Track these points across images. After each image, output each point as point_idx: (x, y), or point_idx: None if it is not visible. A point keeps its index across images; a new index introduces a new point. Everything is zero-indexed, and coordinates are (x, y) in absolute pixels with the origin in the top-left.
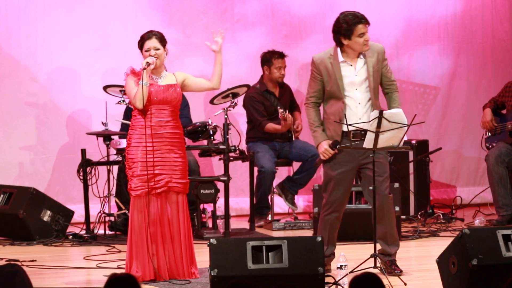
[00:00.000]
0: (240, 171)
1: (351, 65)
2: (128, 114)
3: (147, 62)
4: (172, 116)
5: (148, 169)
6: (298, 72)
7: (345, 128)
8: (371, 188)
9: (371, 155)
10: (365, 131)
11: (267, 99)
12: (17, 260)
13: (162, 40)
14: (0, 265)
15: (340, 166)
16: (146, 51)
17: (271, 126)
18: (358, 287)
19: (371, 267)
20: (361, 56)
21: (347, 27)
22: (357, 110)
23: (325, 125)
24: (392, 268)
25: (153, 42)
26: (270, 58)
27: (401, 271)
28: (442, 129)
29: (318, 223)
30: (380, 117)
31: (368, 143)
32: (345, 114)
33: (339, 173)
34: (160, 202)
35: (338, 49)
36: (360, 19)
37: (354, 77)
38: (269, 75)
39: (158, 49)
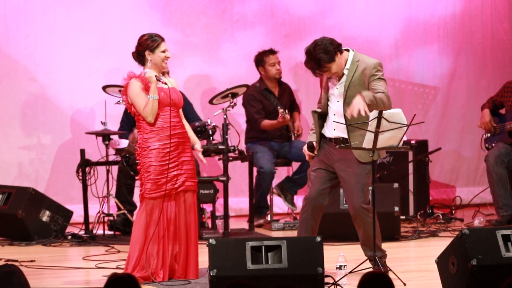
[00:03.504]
0: (239, 171)
1: (336, 78)
2: (128, 114)
3: (156, 76)
4: (179, 117)
5: (168, 171)
6: (297, 72)
7: (328, 135)
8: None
9: (370, 155)
10: (345, 139)
11: (266, 98)
12: (16, 260)
13: None
14: None
15: (315, 164)
16: (163, 51)
17: (267, 122)
18: (368, 286)
19: (370, 268)
20: (345, 71)
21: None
22: (333, 121)
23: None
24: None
25: (165, 45)
26: (262, 58)
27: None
28: (441, 129)
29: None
30: (380, 117)
31: (367, 143)
32: (318, 123)
33: (313, 171)
34: (176, 202)
35: None
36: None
37: (335, 89)
38: (266, 74)
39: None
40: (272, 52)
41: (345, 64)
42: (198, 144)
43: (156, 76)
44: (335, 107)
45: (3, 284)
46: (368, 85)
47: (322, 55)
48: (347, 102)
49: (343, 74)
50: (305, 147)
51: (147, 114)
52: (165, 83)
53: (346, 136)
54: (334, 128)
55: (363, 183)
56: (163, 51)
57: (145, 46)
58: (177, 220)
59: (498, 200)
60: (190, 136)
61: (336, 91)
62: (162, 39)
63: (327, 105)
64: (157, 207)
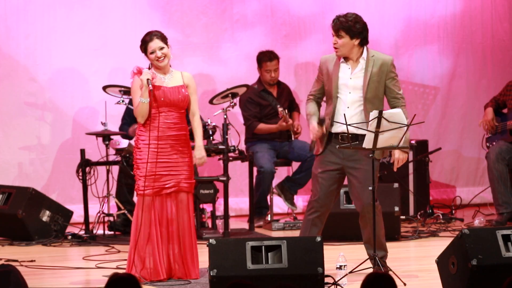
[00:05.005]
0: (239, 171)
1: (349, 68)
2: (129, 111)
3: (148, 80)
4: (179, 118)
5: (155, 170)
6: (297, 72)
7: (334, 130)
8: (370, 187)
9: (370, 155)
10: (354, 134)
11: (264, 99)
12: (16, 260)
13: (164, 38)
14: None
15: (324, 165)
16: (151, 53)
17: (263, 126)
18: (372, 287)
19: (370, 267)
20: (362, 63)
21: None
22: (346, 113)
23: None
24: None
25: (156, 43)
26: (260, 61)
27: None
28: (441, 129)
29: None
30: (380, 117)
31: (367, 143)
32: (333, 115)
33: (321, 172)
34: (171, 202)
35: None
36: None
37: (348, 79)
38: (262, 78)
39: (162, 48)
40: (270, 59)
41: (361, 55)
42: (198, 151)
43: (148, 79)
44: (349, 98)
45: (1, 284)
46: (384, 82)
47: (352, 20)
48: (368, 97)
49: (358, 62)
50: (315, 123)
51: (136, 115)
52: (151, 90)
53: (359, 132)
54: (349, 124)
55: (372, 179)
56: (152, 52)
57: (141, 50)
58: (170, 220)
59: (498, 197)
60: (195, 142)
61: (351, 82)
62: (151, 39)
63: (334, 94)
64: (148, 205)
